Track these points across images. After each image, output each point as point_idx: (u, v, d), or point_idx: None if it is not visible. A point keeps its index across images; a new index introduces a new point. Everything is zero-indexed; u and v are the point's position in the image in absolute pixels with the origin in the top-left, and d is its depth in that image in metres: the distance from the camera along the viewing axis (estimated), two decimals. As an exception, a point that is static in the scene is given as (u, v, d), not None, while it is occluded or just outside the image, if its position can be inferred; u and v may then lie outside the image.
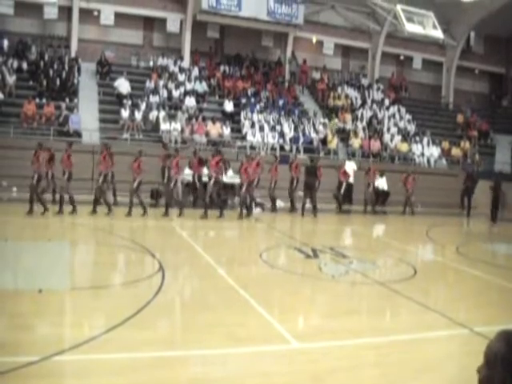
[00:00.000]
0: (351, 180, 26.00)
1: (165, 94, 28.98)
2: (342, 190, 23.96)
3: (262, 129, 28.32)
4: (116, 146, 22.32)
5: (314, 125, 30.28)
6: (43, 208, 17.34)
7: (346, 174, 24.17)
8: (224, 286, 10.15)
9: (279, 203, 23.66)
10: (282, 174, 22.95)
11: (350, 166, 26.27)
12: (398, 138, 31.55)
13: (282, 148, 28.01)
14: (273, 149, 27.69)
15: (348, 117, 31.90)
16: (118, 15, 31.13)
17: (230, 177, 22.45)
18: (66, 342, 6.83)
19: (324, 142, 29.36)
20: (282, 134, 28.68)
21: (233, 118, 29.17)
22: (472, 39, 39.58)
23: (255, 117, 29.15)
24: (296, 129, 29.30)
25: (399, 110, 34.63)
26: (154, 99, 27.98)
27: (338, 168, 24.36)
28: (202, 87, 30.45)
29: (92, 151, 21.18)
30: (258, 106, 30.19)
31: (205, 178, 21.19)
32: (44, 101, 25.62)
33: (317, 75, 35.23)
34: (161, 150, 21.25)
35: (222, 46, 34.68)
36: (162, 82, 29.46)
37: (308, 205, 22.83)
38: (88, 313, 8.25)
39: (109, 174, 18.70)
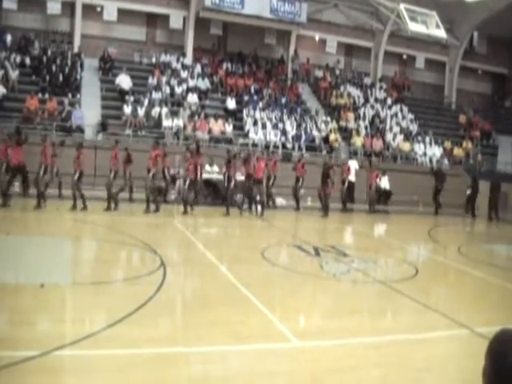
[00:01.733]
0: (353, 179, 25.98)
1: (167, 90, 28.96)
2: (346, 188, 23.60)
3: (264, 126, 28.30)
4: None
5: (316, 123, 30.26)
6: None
7: (349, 171, 23.75)
8: (225, 284, 10.13)
9: (281, 201, 23.68)
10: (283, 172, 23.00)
11: (352, 165, 26.23)
12: (400, 137, 31.53)
13: (283, 146, 27.99)
14: (275, 146, 27.69)
15: (350, 115, 31.87)
16: (121, 11, 31.09)
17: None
18: (66, 337, 6.80)
19: (326, 140, 29.34)
20: (284, 132, 28.68)
21: (235, 116, 29.16)
22: (475, 39, 39.50)
23: (257, 114, 29.13)
24: (298, 127, 29.29)
25: (401, 110, 34.59)
26: (156, 96, 27.96)
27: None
28: (204, 84, 30.42)
29: (94, 147, 21.16)
30: (260, 104, 30.17)
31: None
32: (47, 96, 25.61)
33: (319, 73, 35.21)
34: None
35: (225, 43, 34.66)
36: (164, 79, 29.44)
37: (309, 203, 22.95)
38: (89, 308, 8.24)
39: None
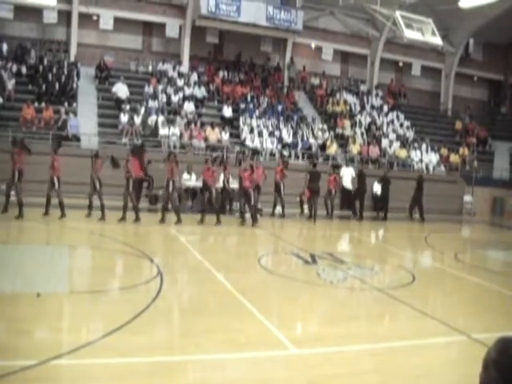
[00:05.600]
0: (349, 186, 26.00)
1: (164, 98, 28.97)
2: (283, 192, 22.80)
3: (260, 134, 28.32)
4: (115, 150, 22.35)
5: (312, 130, 30.29)
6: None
7: (282, 173, 22.75)
8: (222, 292, 10.13)
9: (278, 209, 23.64)
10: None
11: (349, 172, 26.26)
12: (396, 144, 31.56)
13: (280, 154, 27.98)
14: (272, 154, 27.70)
15: (347, 123, 31.90)
16: (117, 20, 31.14)
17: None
18: (63, 347, 6.80)
19: (323, 147, 29.36)
20: (280, 140, 28.68)
21: (232, 124, 29.15)
22: (471, 46, 39.63)
23: (254, 122, 29.14)
24: (295, 134, 29.31)
25: (398, 117, 34.66)
26: (152, 104, 27.97)
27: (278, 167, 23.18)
28: (200, 92, 30.45)
29: (90, 155, 21.12)
30: (256, 112, 30.20)
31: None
32: (43, 105, 25.59)
33: (316, 81, 35.28)
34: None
35: (221, 51, 34.72)
36: (160, 87, 29.47)
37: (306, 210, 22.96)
38: (86, 317, 8.23)
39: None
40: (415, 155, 31.35)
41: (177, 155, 20.19)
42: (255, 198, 20.28)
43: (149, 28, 33.07)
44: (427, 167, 31.24)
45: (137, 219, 18.11)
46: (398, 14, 31.75)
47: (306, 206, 23.47)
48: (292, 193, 23.30)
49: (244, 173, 20.08)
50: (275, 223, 21.99)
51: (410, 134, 33.50)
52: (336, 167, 25.80)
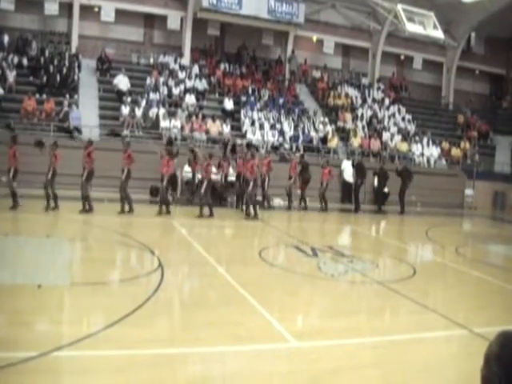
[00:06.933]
0: (350, 179, 25.99)
1: (165, 91, 28.92)
2: (267, 185, 22.25)
3: (261, 127, 28.28)
4: (116, 142, 22.37)
5: (313, 123, 30.26)
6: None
7: (269, 166, 22.23)
8: (223, 284, 10.13)
9: (279, 201, 23.64)
10: (278, 172, 22.97)
11: (350, 165, 26.24)
12: (397, 137, 31.52)
13: (281, 146, 27.95)
14: (273, 147, 27.65)
15: (348, 116, 31.86)
16: (118, 12, 31.03)
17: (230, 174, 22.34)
18: (64, 338, 6.80)
19: (324, 140, 29.33)
20: (281, 133, 28.65)
21: (233, 116, 29.11)
22: (472, 40, 39.44)
23: (255, 115, 29.11)
24: (296, 127, 29.27)
25: (399, 110, 34.58)
26: (154, 96, 27.91)
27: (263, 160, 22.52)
28: (202, 85, 30.39)
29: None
30: (258, 105, 30.15)
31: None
32: (44, 97, 25.56)
33: (317, 74, 35.21)
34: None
35: (223, 43, 34.63)
36: (162, 80, 29.41)
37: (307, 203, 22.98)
38: (87, 309, 8.23)
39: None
40: (416, 149, 31.31)
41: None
42: (205, 189, 19.79)
43: (150, 20, 32.99)
44: (428, 161, 31.23)
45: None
46: (399, 7, 31.70)
47: (308, 198, 23.53)
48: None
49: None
50: (274, 216, 21.93)
51: (412, 128, 33.46)
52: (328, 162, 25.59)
